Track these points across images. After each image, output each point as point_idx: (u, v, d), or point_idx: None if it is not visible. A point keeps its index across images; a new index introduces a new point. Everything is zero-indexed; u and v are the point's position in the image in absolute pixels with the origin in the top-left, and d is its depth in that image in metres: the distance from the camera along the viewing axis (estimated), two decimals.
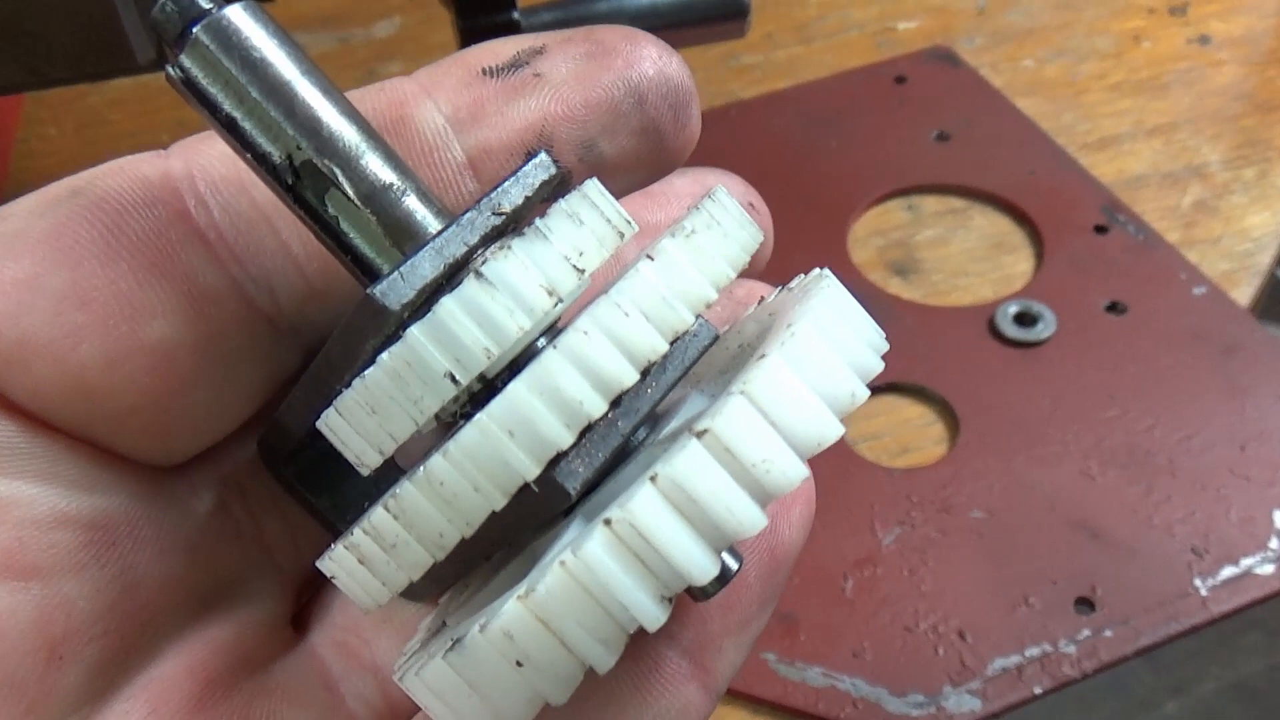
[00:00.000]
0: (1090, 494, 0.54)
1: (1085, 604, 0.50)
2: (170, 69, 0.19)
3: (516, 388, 0.18)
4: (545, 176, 0.21)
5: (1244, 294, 0.63)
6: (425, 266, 0.19)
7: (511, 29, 0.52)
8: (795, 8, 0.86)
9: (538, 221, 0.19)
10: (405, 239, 0.20)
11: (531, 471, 0.18)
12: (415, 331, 0.18)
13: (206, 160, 0.22)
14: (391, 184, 0.20)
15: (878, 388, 0.60)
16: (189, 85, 0.19)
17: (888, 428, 0.58)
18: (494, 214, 0.20)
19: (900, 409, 0.59)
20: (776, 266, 0.71)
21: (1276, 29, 0.82)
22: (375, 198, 0.20)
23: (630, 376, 0.18)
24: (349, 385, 0.19)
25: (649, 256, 0.19)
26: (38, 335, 0.20)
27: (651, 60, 0.23)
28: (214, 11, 0.19)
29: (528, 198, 0.20)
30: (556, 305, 0.19)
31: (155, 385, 0.21)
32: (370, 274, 0.20)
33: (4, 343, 0.20)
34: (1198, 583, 0.50)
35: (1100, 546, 0.52)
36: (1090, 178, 0.70)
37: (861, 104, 0.76)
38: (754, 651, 0.49)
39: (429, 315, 0.18)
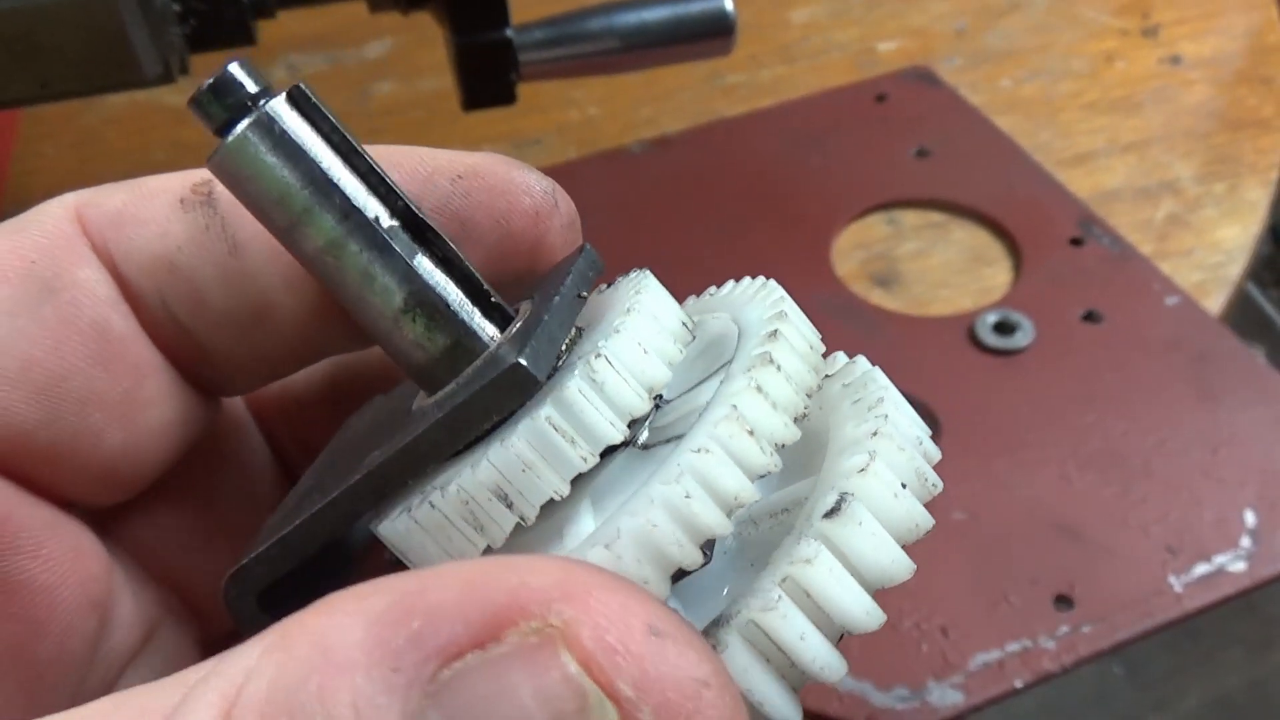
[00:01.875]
0: (1068, 496, 0.55)
1: (1064, 601, 0.51)
2: (251, 131, 0.19)
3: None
4: (596, 271, 0.23)
5: (1215, 304, 0.65)
6: (553, 340, 0.19)
7: (505, 47, 0.54)
8: (779, 29, 0.88)
9: (634, 302, 0.21)
10: (490, 309, 0.21)
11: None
12: (574, 386, 0.19)
13: (132, 250, 0.24)
14: (456, 256, 0.21)
15: None
16: (281, 137, 0.19)
17: None
18: (579, 297, 0.21)
19: None
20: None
21: (1245, 50, 0.84)
22: (452, 263, 0.21)
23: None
24: (493, 454, 0.18)
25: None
26: (66, 436, 0.23)
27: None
28: (276, 94, 0.19)
29: (585, 290, 0.22)
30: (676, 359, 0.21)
31: (161, 459, 0.25)
32: (450, 330, 0.20)
33: (38, 443, 0.23)
34: (1172, 580, 0.52)
35: (1078, 546, 0.53)
36: (1066, 192, 0.72)
37: (844, 122, 0.78)
38: None
39: (584, 370, 0.19)
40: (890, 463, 0.19)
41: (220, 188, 0.22)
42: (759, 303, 0.22)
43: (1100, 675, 1.64)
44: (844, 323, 0.65)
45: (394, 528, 0.19)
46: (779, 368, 0.20)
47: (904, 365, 0.62)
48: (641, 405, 0.19)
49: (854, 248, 0.70)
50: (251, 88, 0.19)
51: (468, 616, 0.14)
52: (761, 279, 0.23)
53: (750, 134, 0.78)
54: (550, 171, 0.84)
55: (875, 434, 0.20)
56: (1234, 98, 0.80)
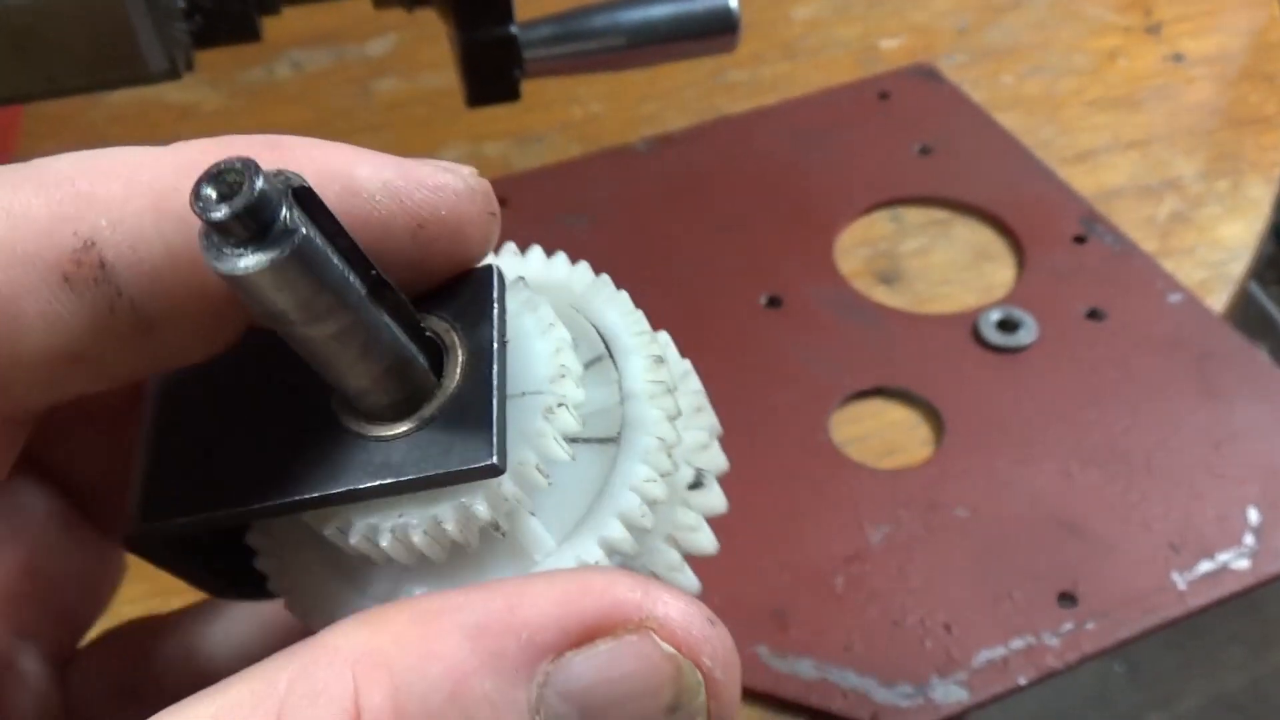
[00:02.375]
0: (1071, 493, 0.55)
1: (1067, 598, 0.51)
2: (288, 255, 0.18)
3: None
4: (500, 288, 0.23)
5: (1218, 301, 0.65)
6: (504, 417, 0.21)
7: (509, 43, 0.54)
8: (781, 26, 0.88)
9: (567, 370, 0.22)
10: (424, 344, 0.22)
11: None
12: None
13: (15, 353, 0.19)
14: (405, 305, 0.21)
15: (865, 392, 0.61)
16: (309, 252, 0.18)
17: (874, 430, 0.60)
18: (503, 343, 0.22)
19: (886, 412, 0.61)
20: (768, 277, 0.72)
21: (1247, 48, 0.84)
22: (401, 311, 0.21)
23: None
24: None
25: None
26: None
27: None
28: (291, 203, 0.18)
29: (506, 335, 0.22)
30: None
31: None
32: (407, 381, 0.21)
33: None
34: (1175, 577, 0.52)
35: (1081, 543, 0.53)
36: (1069, 190, 0.72)
37: (847, 119, 0.78)
38: (746, 645, 0.51)
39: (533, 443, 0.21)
40: (715, 438, 0.26)
41: (112, 254, 0.19)
42: (609, 304, 0.24)
43: (1101, 673, 1.64)
44: (848, 318, 0.65)
45: (369, 544, 0.21)
46: (669, 390, 0.23)
47: (908, 363, 0.62)
48: (578, 428, 0.22)
49: (858, 245, 0.70)
50: (277, 199, 0.18)
51: (566, 627, 0.18)
52: (584, 264, 0.25)
53: (753, 131, 0.78)
54: (555, 169, 0.84)
55: (699, 410, 0.25)
56: (1237, 95, 0.80)
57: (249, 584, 0.24)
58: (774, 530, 0.54)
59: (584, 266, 0.25)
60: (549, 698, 0.18)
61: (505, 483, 0.21)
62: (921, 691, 0.48)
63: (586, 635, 0.18)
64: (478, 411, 0.21)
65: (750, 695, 0.49)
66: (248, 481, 0.21)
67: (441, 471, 0.20)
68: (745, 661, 0.49)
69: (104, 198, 0.19)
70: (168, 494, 0.22)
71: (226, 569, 0.25)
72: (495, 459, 0.20)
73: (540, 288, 0.24)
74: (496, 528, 0.21)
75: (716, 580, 0.54)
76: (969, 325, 0.64)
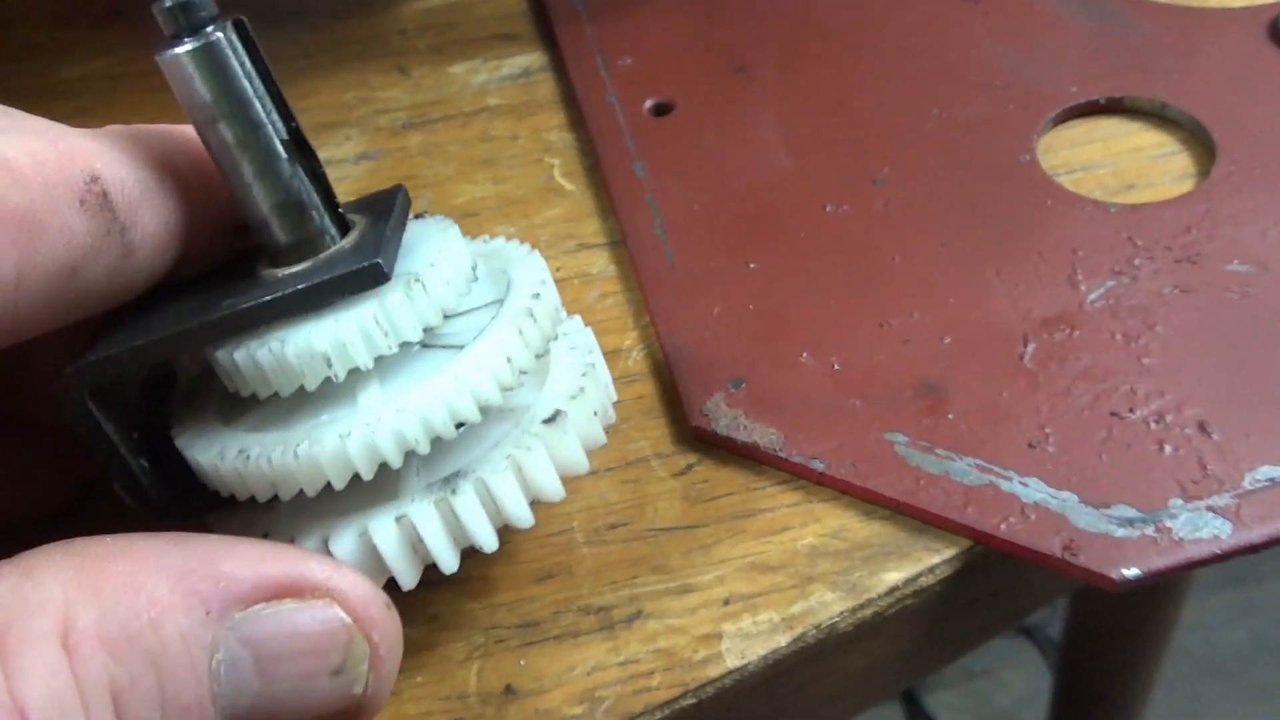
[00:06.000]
0: None
1: None
2: (207, 49, 0.23)
3: None
4: (409, 204, 0.28)
5: None
6: (394, 252, 0.25)
7: None
8: None
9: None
10: (337, 217, 0.26)
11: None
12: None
13: (39, 259, 0.23)
14: (323, 174, 0.26)
15: (1096, 107, 0.42)
16: (224, 57, 0.24)
17: (1105, 157, 0.40)
18: (404, 224, 0.27)
19: (1125, 135, 0.41)
20: None
21: None
22: (319, 177, 0.26)
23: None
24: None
25: None
26: None
27: None
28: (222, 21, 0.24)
29: (407, 219, 0.27)
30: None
31: None
32: (308, 233, 0.25)
33: None
34: None
35: None
36: None
37: None
38: (876, 430, 0.33)
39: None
40: (590, 397, 0.27)
41: (114, 187, 0.24)
42: (528, 267, 0.28)
43: None
44: (1076, 11, 0.45)
45: (231, 358, 0.24)
46: (535, 320, 0.26)
47: (1163, 69, 0.42)
48: (437, 320, 0.25)
49: None
50: (212, 11, 0.23)
51: (259, 583, 0.21)
52: (528, 246, 0.29)
53: None
54: None
55: (584, 374, 0.28)
56: None
57: (171, 495, 0.26)
58: (938, 281, 0.36)
59: (524, 246, 0.29)
60: (229, 640, 0.21)
61: (345, 323, 0.24)
62: (1152, 519, 0.30)
63: (276, 593, 0.21)
64: (368, 251, 0.24)
65: (872, 501, 0.32)
66: (165, 324, 0.24)
67: (323, 279, 0.24)
68: (875, 455, 0.32)
69: (94, 146, 0.24)
70: (98, 345, 0.25)
71: (155, 468, 0.26)
72: (381, 261, 0.24)
73: (484, 252, 0.29)
74: (329, 364, 0.24)
75: (843, 345, 0.36)
76: (1265, 21, 0.43)
